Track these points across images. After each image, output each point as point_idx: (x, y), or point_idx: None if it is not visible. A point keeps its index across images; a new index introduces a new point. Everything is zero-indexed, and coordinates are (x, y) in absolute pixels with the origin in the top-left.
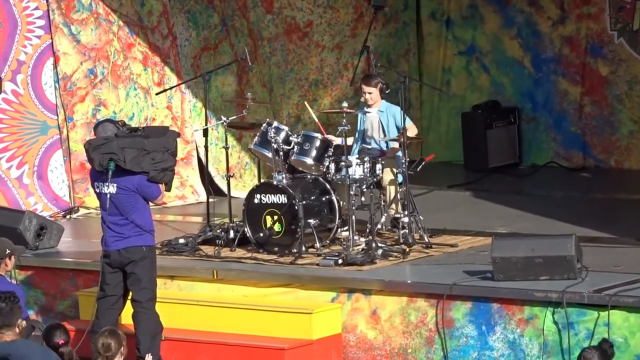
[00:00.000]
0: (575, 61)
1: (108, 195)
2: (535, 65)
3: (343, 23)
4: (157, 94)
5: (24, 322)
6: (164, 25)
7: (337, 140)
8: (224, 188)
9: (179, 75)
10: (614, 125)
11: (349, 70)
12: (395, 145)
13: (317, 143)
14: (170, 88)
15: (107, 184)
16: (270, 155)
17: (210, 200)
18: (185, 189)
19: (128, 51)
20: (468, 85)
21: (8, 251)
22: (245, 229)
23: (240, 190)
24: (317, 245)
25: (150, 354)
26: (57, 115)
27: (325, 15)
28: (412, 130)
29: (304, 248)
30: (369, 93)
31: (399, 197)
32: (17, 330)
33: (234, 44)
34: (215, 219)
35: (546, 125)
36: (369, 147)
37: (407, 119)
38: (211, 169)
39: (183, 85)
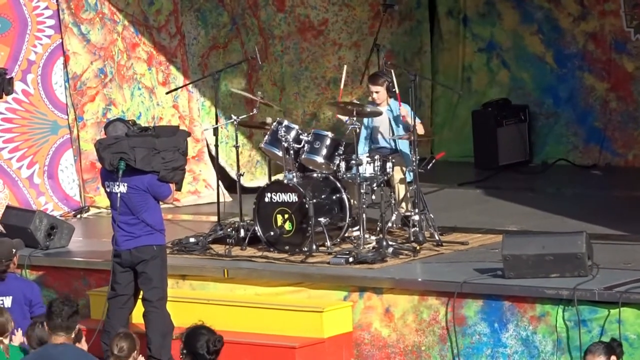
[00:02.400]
0: (601, 57)
1: (119, 195)
2: (558, 61)
3: (360, 21)
4: (167, 93)
5: (80, 330)
6: (172, 24)
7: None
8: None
9: (186, 75)
10: (638, 121)
11: (369, 69)
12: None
13: (328, 141)
14: (182, 87)
15: (117, 183)
16: (280, 154)
17: (222, 200)
18: (198, 184)
19: (132, 51)
20: (488, 82)
21: (14, 250)
22: (256, 228)
23: (251, 181)
24: (328, 243)
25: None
26: (68, 115)
27: (341, 14)
28: (420, 129)
29: (314, 247)
30: (376, 92)
31: (409, 195)
32: (72, 335)
33: (245, 43)
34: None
35: (568, 120)
36: (378, 145)
37: (417, 118)
38: (223, 164)
39: (190, 84)
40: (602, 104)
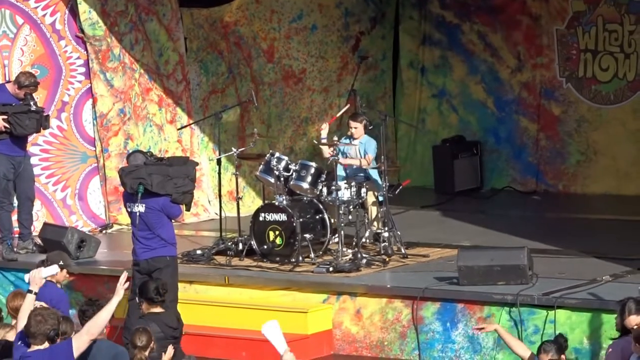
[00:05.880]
0: (532, 103)
1: (138, 214)
2: (498, 106)
3: (331, 70)
4: (178, 129)
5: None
6: (179, 72)
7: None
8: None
9: (190, 115)
10: (565, 156)
11: (334, 109)
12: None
13: (312, 170)
14: (192, 124)
15: (137, 204)
16: (272, 180)
17: (222, 217)
18: (197, 208)
19: (146, 94)
20: (440, 123)
21: (61, 262)
22: (252, 242)
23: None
24: (312, 255)
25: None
26: (95, 147)
27: (317, 64)
28: (364, 163)
29: (300, 258)
30: (355, 128)
31: (380, 215)
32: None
33: (238, 88)
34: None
35: (507, 156)
36: (354, 173)
37: (371, 152)
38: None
39: (197, 122)
40: (534, 142)
